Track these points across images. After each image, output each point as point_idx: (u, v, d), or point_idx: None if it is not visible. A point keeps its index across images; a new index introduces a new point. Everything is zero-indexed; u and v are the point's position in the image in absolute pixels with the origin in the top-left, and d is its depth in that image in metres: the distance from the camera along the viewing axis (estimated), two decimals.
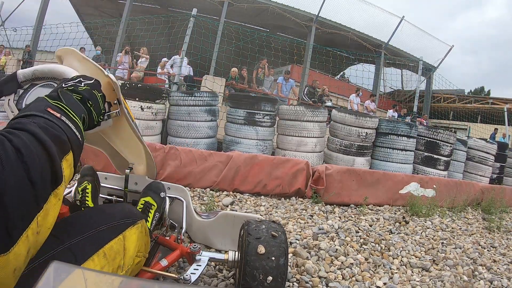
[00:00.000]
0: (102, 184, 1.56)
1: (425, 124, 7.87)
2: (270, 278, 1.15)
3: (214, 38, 9.22)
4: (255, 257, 1.18)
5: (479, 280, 1.97)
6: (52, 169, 0.56)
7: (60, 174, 0.58)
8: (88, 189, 1.36)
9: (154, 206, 1.34)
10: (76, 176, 1.17)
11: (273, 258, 1.19)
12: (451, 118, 14.95)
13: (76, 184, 1.42)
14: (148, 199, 1.35)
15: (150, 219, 1.29)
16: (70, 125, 0.66)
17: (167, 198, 1.45)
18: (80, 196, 1.34)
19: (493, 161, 6.10)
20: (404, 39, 11.68)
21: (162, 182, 1.48)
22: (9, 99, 0.88)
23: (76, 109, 0.73)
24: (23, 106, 0.86)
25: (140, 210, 1.31)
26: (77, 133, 0.68)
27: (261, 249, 1.20)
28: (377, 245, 2.20)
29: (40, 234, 0.56)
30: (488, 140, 6.71)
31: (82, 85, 0.82)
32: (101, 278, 0.42)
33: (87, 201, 1.32)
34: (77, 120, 0.71)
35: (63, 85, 0.79)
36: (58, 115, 0.65)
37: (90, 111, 0.81)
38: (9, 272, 0.51)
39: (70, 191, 1.46)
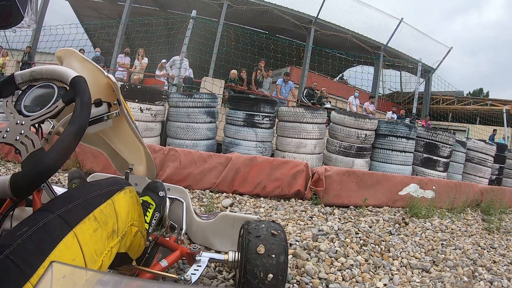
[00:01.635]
0: None
1: (425, 125, 7.85)
2: (270, 275, 1.16)
3: (214, 40, 9.23)
4: (256, 255, 1.19)
5: (479, 281, 1.97)
6: None
7: None
8: None
9: (153, 205, 1.30)
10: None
11: (273, 256, 1.19)
12: (450, 120, 15.00)
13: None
14: (146, 198, 1.32)
15: (148, 219, 1.24)
16: None
17: (167, 198, 1.44)
18: None
19: (492, 162, 6.11)
20: (403, 41, 11.71)
21: (161, 181, 1.46)
22: (7, 101, 0.87)
23: None
24: (22, 107, 0.86)
25: None
26: None
27: (261, 248, 1.20)
28: (377, 246, 2.20)
29: None
30: (487, 141, 6.71)
31: None
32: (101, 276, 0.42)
33: None
34: None
35: None
36: None
37: None
38: None
39: None
